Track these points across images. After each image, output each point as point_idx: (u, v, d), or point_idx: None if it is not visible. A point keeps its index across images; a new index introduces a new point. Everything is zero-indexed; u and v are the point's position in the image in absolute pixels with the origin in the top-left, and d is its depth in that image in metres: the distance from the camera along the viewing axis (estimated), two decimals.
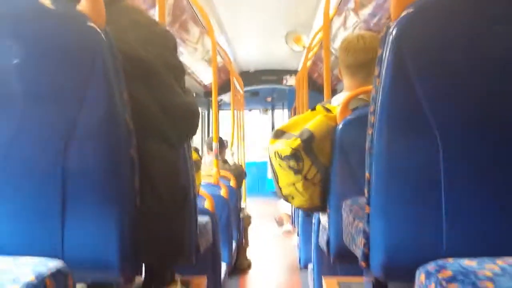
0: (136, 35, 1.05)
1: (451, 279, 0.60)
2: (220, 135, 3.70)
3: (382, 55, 0.84)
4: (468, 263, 0.64)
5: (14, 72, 0.89)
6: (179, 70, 1.13)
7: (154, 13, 1.75)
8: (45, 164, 0.90)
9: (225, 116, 7.19)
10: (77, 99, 0.88)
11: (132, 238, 0.96)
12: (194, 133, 1.24)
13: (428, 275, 0.63)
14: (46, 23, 0.90)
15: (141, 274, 1.40)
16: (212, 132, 4.89)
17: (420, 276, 0.66)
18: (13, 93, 0.90)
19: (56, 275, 0.70)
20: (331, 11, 2.79)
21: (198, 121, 1.22)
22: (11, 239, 0.92)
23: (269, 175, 1.38)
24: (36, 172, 0.91)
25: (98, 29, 0.89)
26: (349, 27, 3.27)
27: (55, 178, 0.89)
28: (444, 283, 0.59)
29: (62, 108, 0.89)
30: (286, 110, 8.15)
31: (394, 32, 0.81)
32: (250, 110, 8.37)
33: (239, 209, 3.42)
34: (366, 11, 2.82)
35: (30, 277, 0.65)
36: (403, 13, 0.81)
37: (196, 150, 2.89)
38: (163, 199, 1.07)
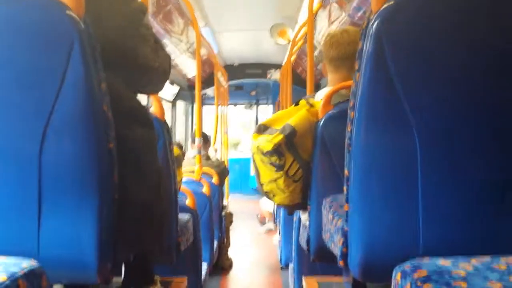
0: (113, 20, 1.05)
1: (426, 279, 0.59)
2: (204, 131, 3.65)
3: (362, 48, 0.83)
4: (443, 262, 0.63)
5: None
6: (151, 36, 1.14)
7: None
8: (21, 155, 0.88)
9: (209, 111, 7.12)
10: (54, 88, 0.86)
11: (110, 235, 0.94)
12: None
13: (404, 274, 0.63)
14: (24, 10, 0.88)
15: (120, 274, 1.37)
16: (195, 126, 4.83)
17: (397, 276, 0.65)
18: None
19: (29, 275, 0.69)
20: (315, 5, 2.77)
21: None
22: None
23: (252, 172, 1.38)
24: (12, 163, 0.88)
25: (77, 18, 0.87)
26: (334, 21, 3.26)
27: (32, 171, 0.87)
28: (419, 283, 0.59)
29: (39, 98, 0.87)
30: (270, 106, 8.12)
31: (374, 26, 0.80)
32: (235, 105, 8.32)
33: (221, 207, 3.39)
34: (351, 5, 2.81)
35: (2, 277, 0.64)
36: (384, 6, 0.80)
37: (179, 145, 2.86)
38: (141, 188, 1.06)
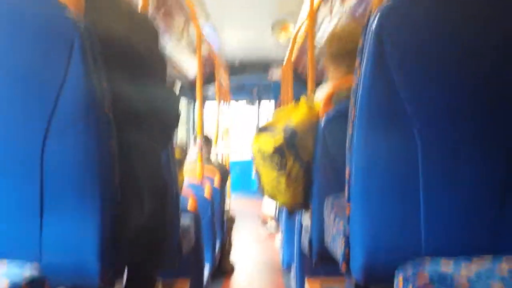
0: (124, 25, 1.03)
1: (428, 284, 0.57)
2: (206, 133, 3.63)
3: (362, 46, 0.82)
4: (445, 262, 0.62)
5: None
6: (164, 62, 1.12)
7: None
8: (23, 157, 0.87)
9: (210, 108, 7.10)
10: (55, 88, 0.86)
11: (112, 239, 0.93)
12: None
13: (406, 279, 0.61)
14: (24, 10, 0.87)
15: (121, 278, 1.36)
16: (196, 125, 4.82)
17: (398, 279, 0.64)
18: None
19: (32, 282, 0.69)
20: (316, 0, 2.75)
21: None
22: None
23: (254, 175, 1.39)
24: (14, 166, 0.88)
25: (76, 18, 0.87)
26: (334, 17, 3.24)
27: (34, 173, 0.86)
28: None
29: (40, 98, 0.86)
30: (272, 101, 8.09)
31: (374, 23, 0.80)
32: (236, 100, 8.29)
33: (223, 210, 3.37)
34: (351, 1, 2.79)
35: (5, 285, 0.63)
36: (384, 4, 0.79)
37: (181, 148, 2.84)
38: (144, 192, 1.04)
